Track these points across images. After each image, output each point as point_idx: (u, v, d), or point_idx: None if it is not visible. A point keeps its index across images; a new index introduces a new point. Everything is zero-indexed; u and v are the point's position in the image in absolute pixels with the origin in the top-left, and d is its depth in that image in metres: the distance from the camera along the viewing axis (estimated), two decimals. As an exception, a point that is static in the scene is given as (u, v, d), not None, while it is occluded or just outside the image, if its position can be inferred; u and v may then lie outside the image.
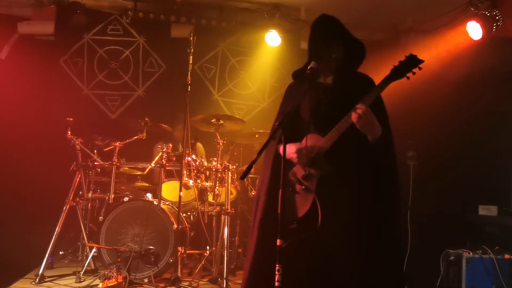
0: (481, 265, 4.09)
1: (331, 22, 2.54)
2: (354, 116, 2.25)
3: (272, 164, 2.52)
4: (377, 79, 2.59)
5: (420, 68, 2.30)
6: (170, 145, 4.58)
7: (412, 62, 2.30)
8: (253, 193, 5.11)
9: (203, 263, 4.57)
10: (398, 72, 2.31)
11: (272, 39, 6.05)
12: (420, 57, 2.31)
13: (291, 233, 2.22)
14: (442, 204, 5.11)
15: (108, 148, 4.64)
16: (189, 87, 4.17)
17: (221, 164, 4.62)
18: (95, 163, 4.66)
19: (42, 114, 5.50)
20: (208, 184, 4.73)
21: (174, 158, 4.71)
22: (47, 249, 4.20)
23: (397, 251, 2.49)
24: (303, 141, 2.42)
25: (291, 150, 2.44)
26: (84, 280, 4.14)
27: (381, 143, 2.35)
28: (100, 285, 3.55)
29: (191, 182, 4.65)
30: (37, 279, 4.04)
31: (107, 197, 4.61)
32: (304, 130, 2.48)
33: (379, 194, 2.40)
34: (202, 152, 5.52)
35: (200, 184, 4.69)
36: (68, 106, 5.56)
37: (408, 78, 2.32)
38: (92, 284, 4.04)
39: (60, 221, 4.30)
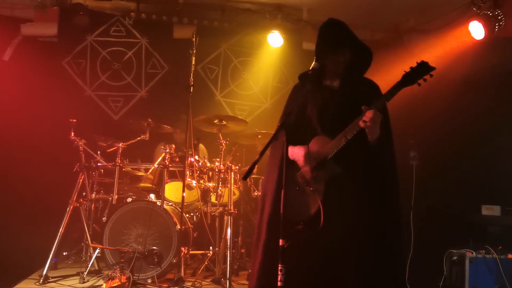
0: (484, 265, 4.09)
1: (338, 26, 2.55)
2: (362, 122, 2.26)
3: (280, 165, 2.51)
4: (379, 79, 2.60)
5: (431, 75, 2.28)
6: (173, 145, 4.59)
7: (424, 69, 2.29)
8: (256, 194, 5.12)
9: (206, 263, 4.57)
10: (409, 78, 2.30)
11: (274, 39, 6.06)
12: (422, 57, 2.31)
13: (297, 234, 2.23)
14: (445, 204, 5.11)
15: (111, 149, 4.65)
16: (191, 88, 4.19)
17: (223, 165, 4.64)
18: (99, 164, 4.66)
19: (45, 115, 5.51)
20: (211, 184, 4.75)
21: (177, 159, 4.72)
22: (51, 250, 4.21)
23: (399, 253, 2.50)
24: (311, 143, 2.43)
25: (300, 153, 2.45)
26: (87, 281, 4.15)
27: (379, 144, 2.35)
28: (104, 285, 3.57)
29: (194, 182, 4.66)
30: (41, 280, 4.05)
31: (110, 198, 4.64)
32: (310, 132, 2.49)
33: (382, 196, 2.41)
34: (204, 154, 5.53)
35: (203, 185, 4.71)
36: (71, 107, 5.57)
37: (419, 84, 2.31)
38: (95, 284, 4.05)
39: (63, 222, 4.30)
